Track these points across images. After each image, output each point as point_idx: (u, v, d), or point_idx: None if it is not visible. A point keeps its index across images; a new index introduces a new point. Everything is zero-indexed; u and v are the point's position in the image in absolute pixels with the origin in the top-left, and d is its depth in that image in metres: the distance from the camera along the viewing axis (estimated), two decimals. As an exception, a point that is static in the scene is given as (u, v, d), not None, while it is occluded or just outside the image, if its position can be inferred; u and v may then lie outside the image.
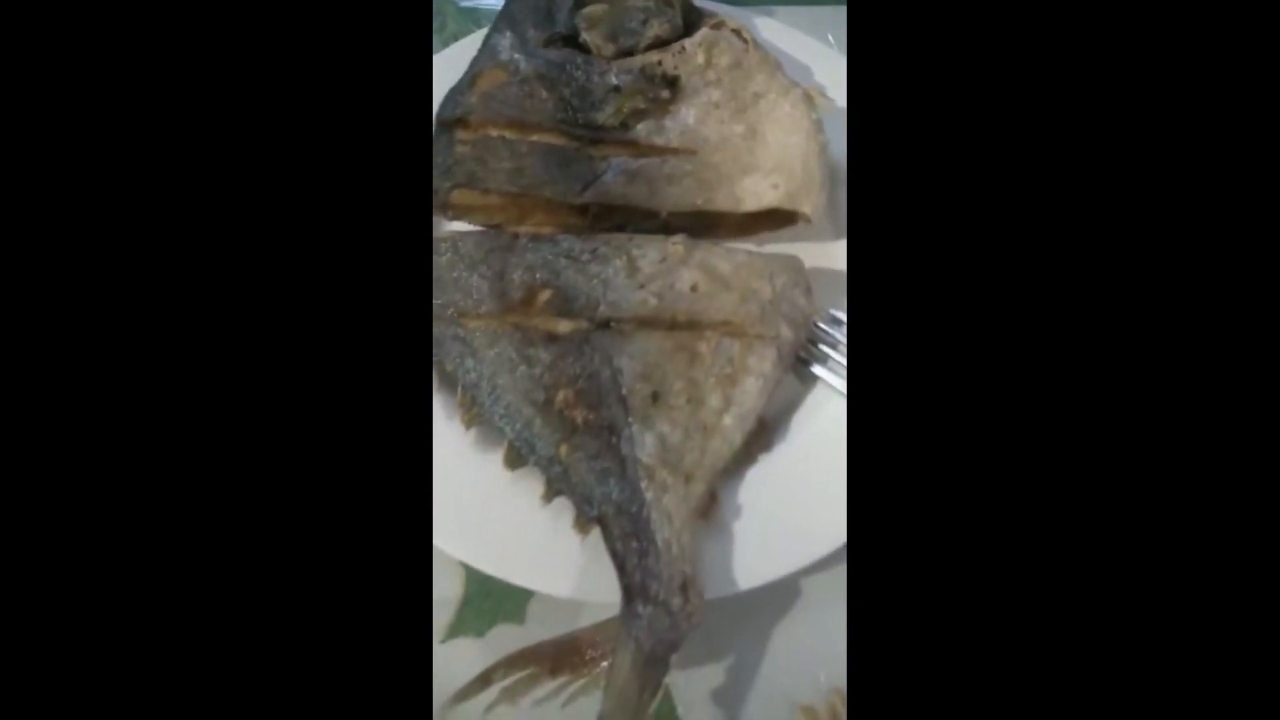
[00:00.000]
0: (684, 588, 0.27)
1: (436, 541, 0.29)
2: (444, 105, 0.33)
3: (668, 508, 0.28)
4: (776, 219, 0.34)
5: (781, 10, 0.43)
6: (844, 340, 0.32)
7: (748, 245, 0.35)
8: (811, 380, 0.33)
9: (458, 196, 0.32)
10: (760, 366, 0.31)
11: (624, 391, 0.29)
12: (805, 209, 0.32)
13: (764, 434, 0.31)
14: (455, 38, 0.44)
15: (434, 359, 0.31)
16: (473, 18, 0.45)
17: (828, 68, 0.38)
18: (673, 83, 0.32)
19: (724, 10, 0.39)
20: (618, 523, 0.28)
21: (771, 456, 0.31)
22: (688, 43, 0.33)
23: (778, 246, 0.34)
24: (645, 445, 0.29)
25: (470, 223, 0.33)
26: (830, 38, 0.42)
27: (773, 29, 0.40)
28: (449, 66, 0.37)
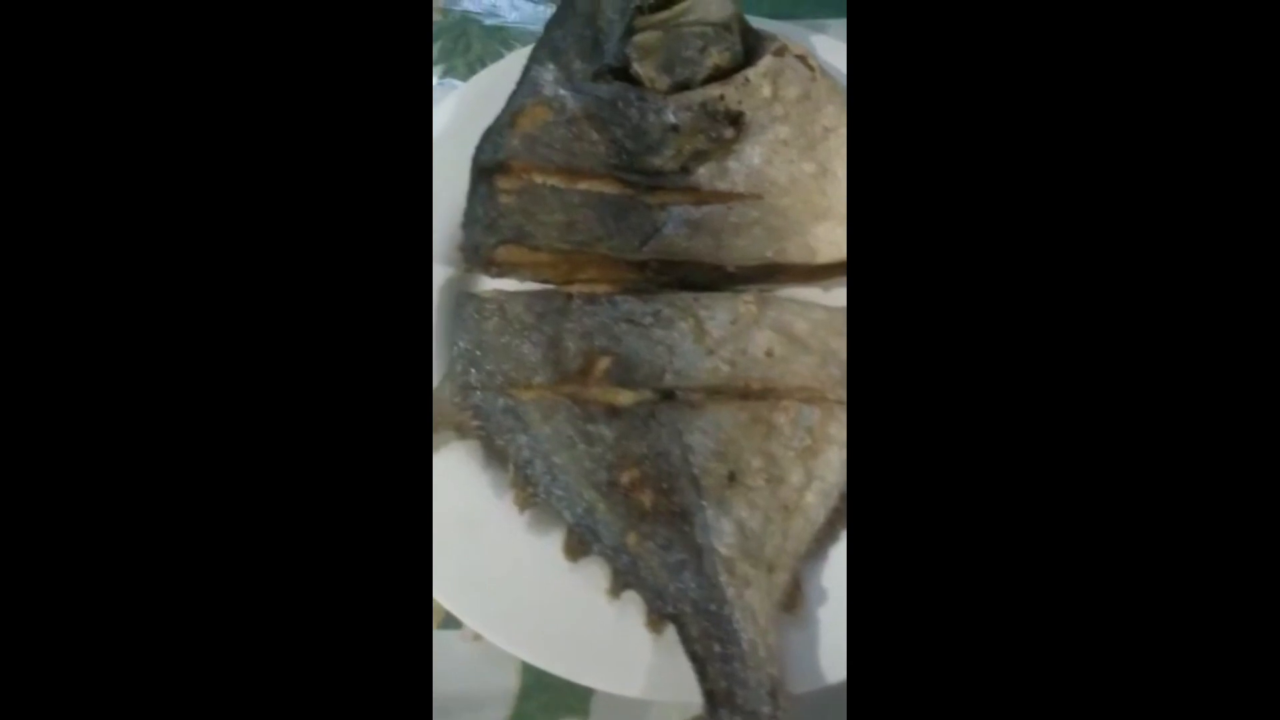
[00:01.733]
0: (773, 694, 0.24)
1: (488, 634, 0.27)
2: (481, 148, 0.30)
3: (750, 604, 0.25)
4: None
5: (834, 25, 0.40)
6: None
7: (815, 290, 0.32)
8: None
9: (504, 253, 0.29)
10: (842, 435, 0.28)
11: (696, 472, 0.26)
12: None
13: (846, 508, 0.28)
14: (482, 60, 0.41)
15: (483, 433, 0.28)
16: (499, 38, 0.41)
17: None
18: (736, 119, 0.29)
19: (779, 29, 0.36)
20: (696, 622, 0.25)
21: (855, 532, 0.28)
22: (751, 73, 0.30)
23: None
24: (723, 533, 0.26)
25: (517, 279, 0.30)
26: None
27: (831, 49, 0.36)
28: (479, 96, 0.33)
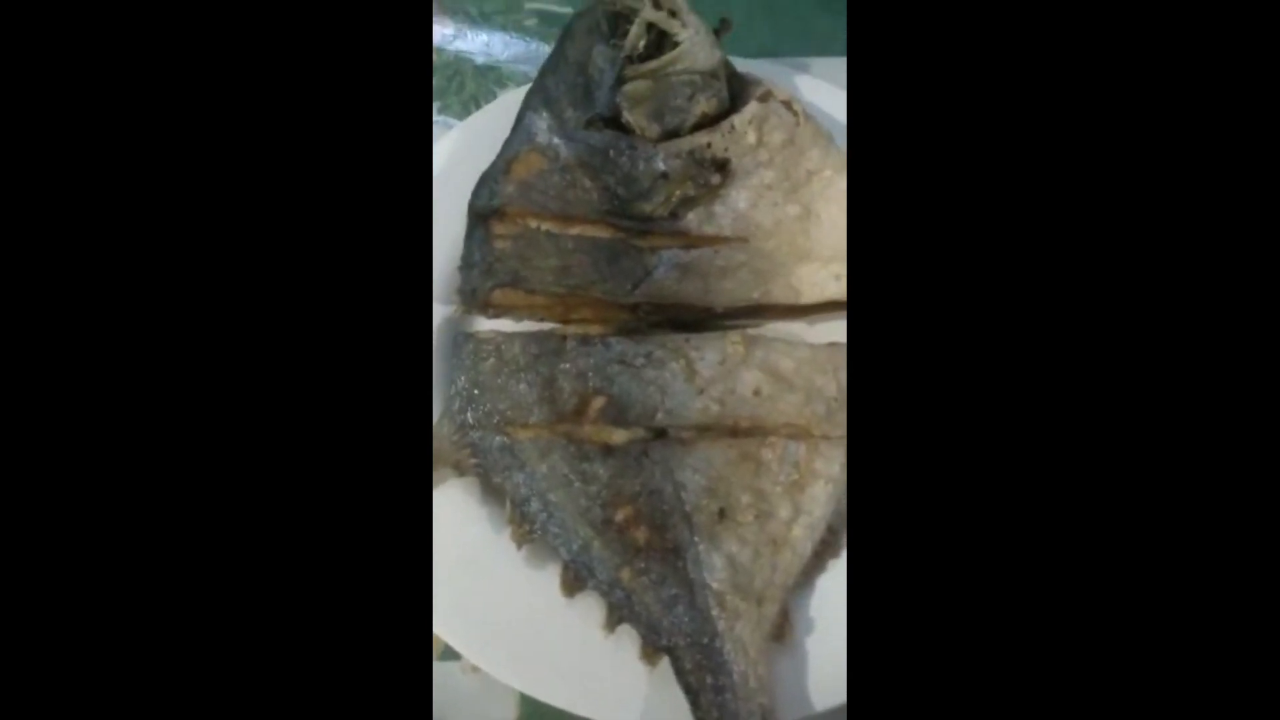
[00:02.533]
0: (763, 722, 0.25)
1: (487, 667, 0.28)
2: (478, 193, 0.31)
3: (741, 637, 0.26)
4: (832, 303, 0.32)
5: (817, 62, 0.41)
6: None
7: (800, 325, 0.33)
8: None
9: (500, 296, 0.30)
10: (828, 469, 0.29)
11: (688, 509, 0.27)
12: (869, 299, 0.31)
13: (833, 539, 0.29)
14: (475, 99, 0.42)
15: (480, 471, 0.29)
16: (493, 77, 0.42)
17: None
18: (723, 166, 0.30)
19: (760, 69, 0.37)
20: (689, 655, 0.26)
21: (842, 563, 0.29)
22: (737, 120, 0.31)
23: (832, 325, 0.33)
24: (714, 568, 0.27)
25: (514, 319, 0.31)
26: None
27: (814, 88, 0.37)
28: (474, 138, 0.34)
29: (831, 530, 0.29)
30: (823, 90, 0.37)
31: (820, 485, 0.29)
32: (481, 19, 0.44)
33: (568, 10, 0.45)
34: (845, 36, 0.42)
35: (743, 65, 0.36)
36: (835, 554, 0.29)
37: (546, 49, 0.38)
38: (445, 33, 0.44)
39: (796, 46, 0.43)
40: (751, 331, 0.30)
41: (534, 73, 0.36)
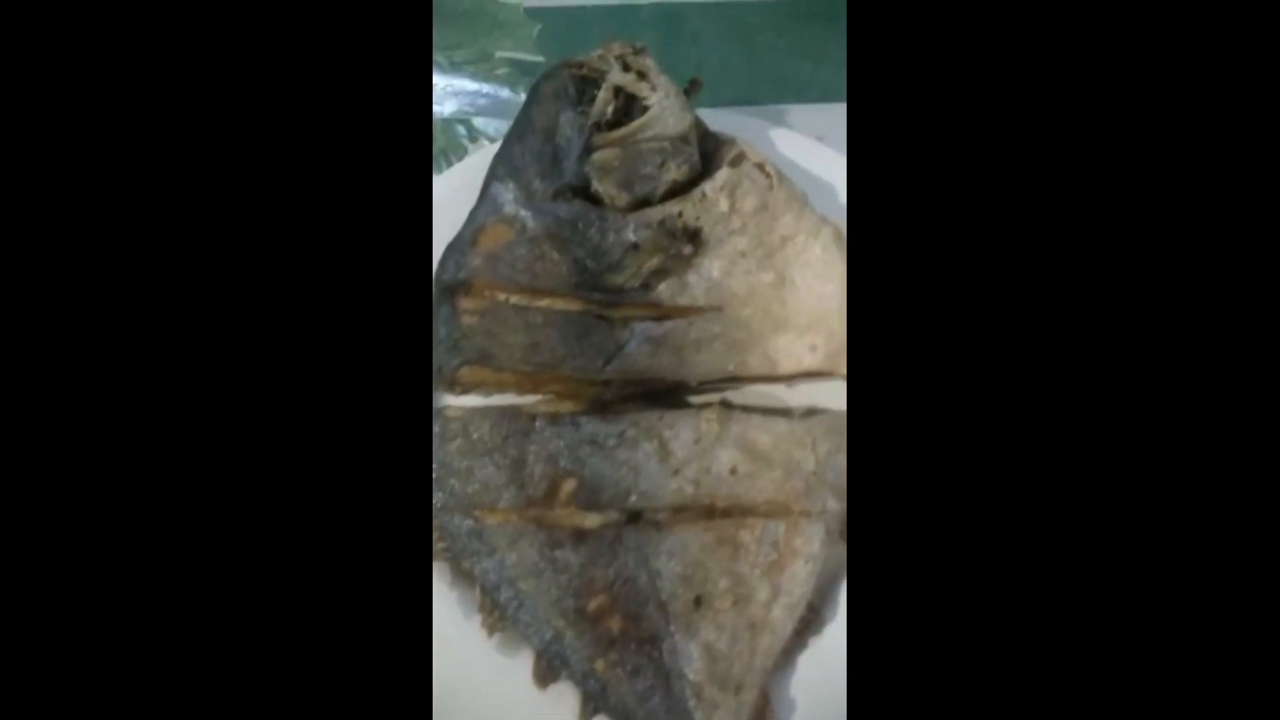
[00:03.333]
0: (743, 820, 0.25)
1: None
2: (443, 265, 0.30)
3: (719, 730, 0.25)
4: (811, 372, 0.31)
5: (795, 110, 0.41)
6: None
7: (779, 388, 0.32)
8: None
9: (466, 374, 0.29)
10: (808, 548, 0.28)
11: (664, 597, 0.26)
12: (844, 370, 0.30)
13: (814, 617, 0.29)
14: (444, 153, 0.41)
15: (450, 554, 0.28)
16: (465, 131, 0.41)
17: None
18: (694, 235, 0.30)
19: (736, 121, 0.36)
20: (666, 750, 0.25)
21: (822, 640, 0.29)
22: (708, 187, 0.30)
23: (811, 387, 0.32)
24: (691, 658, 0.26)
25: (482, 394, 0.30)
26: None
27: (791, 143, 0.37)
28: (448, 199, 0.33)
29: (811, 608, 0.29)
30: (799, 145, 0.37)
31: (800, 564, 0.28)
32: (451, 68, 0.43)
33: (539, 60, 0.44)
34: (823, 82, 0.42)
35: (717, 117, 0.36)
36: (816, 631, 0.29)
37: (519, 99, 0.37)
38: (414, 83, 0.43)
39: (772, 93, 0.42)
40: (728, 400, 0.30)
41: (505, 125, 0.35)
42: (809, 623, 0.28)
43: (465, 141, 0.41)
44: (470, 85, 0.43)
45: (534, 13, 0.45)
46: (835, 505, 0.29)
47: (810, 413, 0.30)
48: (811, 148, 0.37)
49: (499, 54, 0.44)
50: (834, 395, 0.31)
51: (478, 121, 0.41)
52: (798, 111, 0.41)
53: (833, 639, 0.29)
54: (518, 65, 0.43)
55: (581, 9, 0.45)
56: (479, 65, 0.43)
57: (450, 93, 0.42)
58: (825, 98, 0.41)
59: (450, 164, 0.39)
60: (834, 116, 0.40)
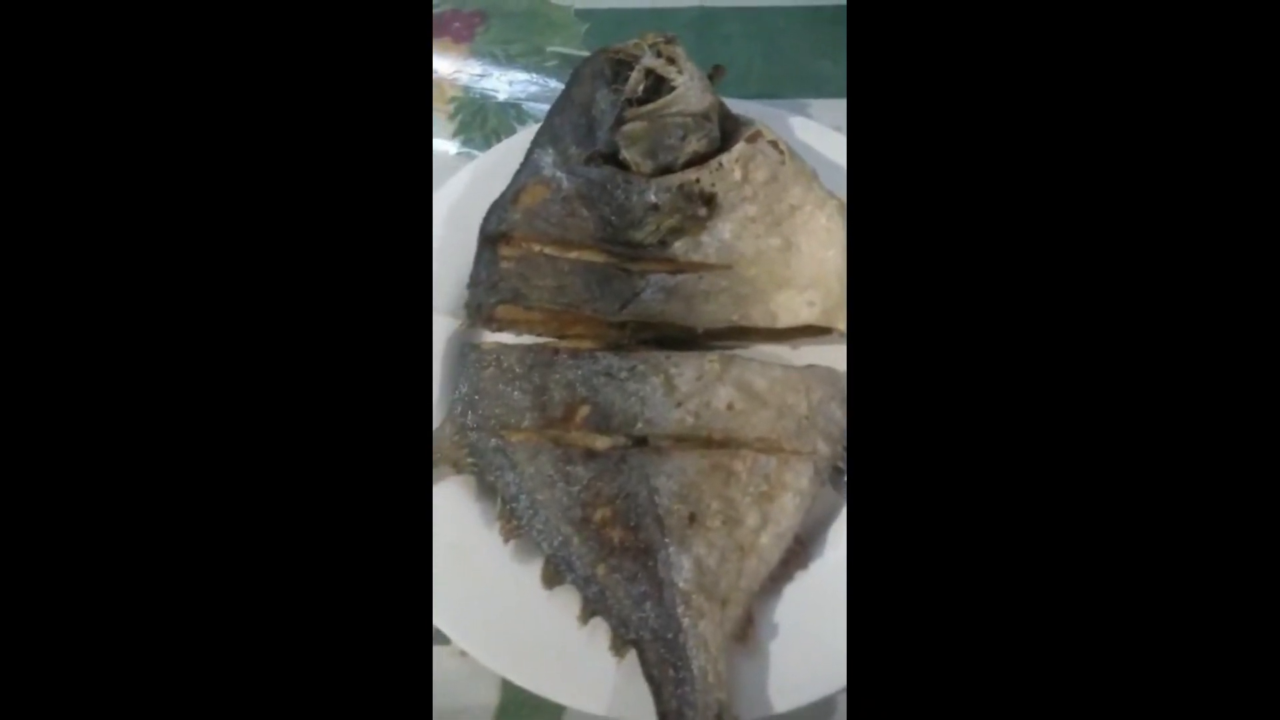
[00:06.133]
0: (719, 716, 0.27)
1: (473, 652, 0.30)
2: (488, 219, 0.34)
3: (703, 634, 0.28)
4: (814, 329, 0.34)
5: (815, 104, 0.44)
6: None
7: (784, 349, 0.35)
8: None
9: (502, 311, 0.33)
10: (797, 483, 0.31)
11: (661, 512, 0.29)
12: (840, 326, 0.33)
13: (801, 550, 0.31)
14: (497, 133, 0.46)
15: (476, 469, 0.32)
16: (514, 114, 0.46)
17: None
18: (710, 200, 0.33)
19: (758, 110, 0.40)
20: (654, 649, 0.28)
21: (808, 574, 0.31)
22: (725, 158, 0.34)
23: (813, 350, 0.35)
24: (682, 569, 0.29)
25: (513, 334, 0.34)
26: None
27: (807, 129, 0.40)
28: (492, 169, 0.38)
29: (800, 542, 0.31)
30: (815, 131, 0.40)
31: (788, 497, 0.30)
32: (507, 60, 0.48)
33: (586, 55, 0.49)
34: (841, 79, 0.46)
35: (742, 106, 0.40)
36: (803, 565, 0.31)
37: (558, 87, 0.42)
38: (473, 73, 0.48)
39: (795, 89, 0.46)
40: (727, 353, 0.33)
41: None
42: (796, 555, 0.31)
43: (515, 124, 0.45)
44: (522, 75, 0.48)
45: (583, 14, 0.50)
46: (825, 448, 0.31)
47: (808, 366, 0.33)
48: (826, 134, 0.40)
49: (550, 49, 0.48)
50: (831, 356, 0.34)
51: (527, 106, 0.46)
52: (818, 105, 0.44)
53: (818, 573, 0.31)
54: (566, 59, 0.48)
55: (626, 10, 0.50)
56: (531, 58, 0.48)
57: (505, 81, 0.47)
58: (843, 94, 0.44)
59: (501, 140, 0.44)
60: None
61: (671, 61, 0.35)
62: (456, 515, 0.32)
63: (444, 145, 0.45)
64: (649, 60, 0.34)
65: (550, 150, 0.34)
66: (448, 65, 0.48)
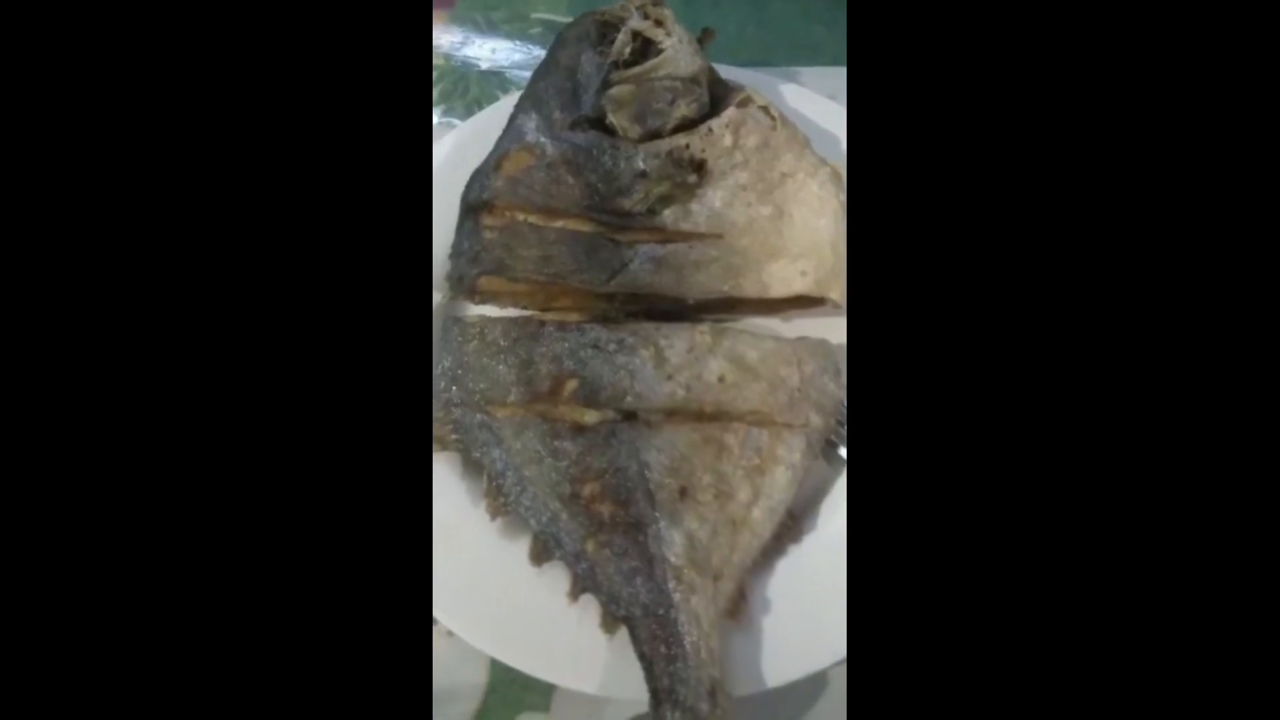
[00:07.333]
0: (712, 693, 0.27)
1: (460, 631, 0.29)
2: (469, 188, 0.33)
3: (696, 610, 0.27)
4: (806, 299, 0.33)
5: (807, 72, 0.43)
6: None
7: (775, 321, 0.34)
8: (841, 465, 0.32)
9: (485, 283, 0.32)
10: (789, 456, 0.30)
11: (651, 486, 0.29)
12: (834, 295, 0.32)
13: (793, 524, 0.31)
14: (479, 102, 0.44)
15: (461, 446, 0.31)
16: (497, 82, 0.45)
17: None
18: (700, 166, 0.32)
19: (749, 77, 0.39)
20: (645, 625, 0.27)
21: (801, 548, 0.30)
22: (714, 124, 0.33)
23: (805, 322, 0.34)
24: (673, 544, 0.28)
25: (497, 307, 0.33)
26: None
27: (799, 96, 0.39)
28: (473, 137, 0.37)
29: (792, 515, 0.31)
30: (806, 98, 0.39)
31: (781, 470, 0.30)
32: (489, 27, 0.47)
33: (570, 21, 0.47)
34: (832, 46, 0.44)
35: (733, 73, 0.38)
36: (795, 539, 0.31)
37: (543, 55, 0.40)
38: (454, 40, 0.47)
39: (787, 56, 0.44)
40: (718, 325, 0.32)
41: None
42: (788, 529, 0.30)
43: (498, 92, 0.44)
44: (505, 43, 0.46)
45: (568, -21, 0.48)
46: (818, 421, 0.31)
47: (800, 338, 0.32)
48: (818, 101, 0.39)
49: (534, 15, 0.47)
50: (823, 328, 0.33)
51: (510, 74, 0.44)
52: (810, 73, 0.43)
53: (810, 548, 0.30)
54: (550, 25, 0.46)
55: (612, -24, 0.48)
56: (514, 25, 0.47)
57: (488, 49, 0.46)
58: (836, 62, 0.43)
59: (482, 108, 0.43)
60: (844, 79, 0.43)
61: (659, 24, 0.34)
62: (443, 493, 0.31)
63: (425, 115, 0.44)
64: (636, 22, 0.33)
65: (534, 115, 0.33)
66: (427, 32, 0.47)
